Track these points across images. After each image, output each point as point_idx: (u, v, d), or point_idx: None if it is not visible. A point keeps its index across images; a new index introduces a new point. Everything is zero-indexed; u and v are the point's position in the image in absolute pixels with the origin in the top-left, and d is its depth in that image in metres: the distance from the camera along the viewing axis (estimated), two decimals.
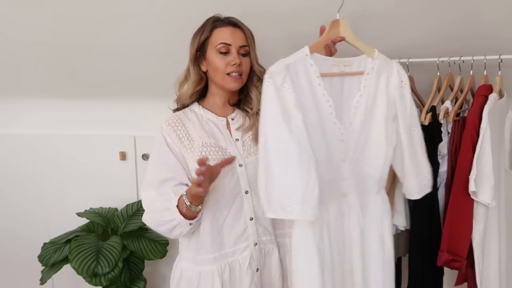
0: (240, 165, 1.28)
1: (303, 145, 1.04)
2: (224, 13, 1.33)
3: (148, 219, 1.28)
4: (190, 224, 1.23)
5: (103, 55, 1.93)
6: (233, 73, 1.26)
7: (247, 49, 1.29)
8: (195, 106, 1.35)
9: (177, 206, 1.20)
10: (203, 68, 1.32)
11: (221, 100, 1.34)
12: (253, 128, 1.31)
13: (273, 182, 1.03)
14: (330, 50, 1.24)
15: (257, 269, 1.31)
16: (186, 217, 1.21)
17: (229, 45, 1.26)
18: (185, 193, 1.19)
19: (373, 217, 1.20)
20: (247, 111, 1.34)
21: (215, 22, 1.29)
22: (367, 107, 1.15)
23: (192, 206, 1.19)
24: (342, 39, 1.21)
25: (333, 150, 1.13)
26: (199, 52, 1.31)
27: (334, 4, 1.54)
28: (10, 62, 2.07)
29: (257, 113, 1.32)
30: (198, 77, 1.32)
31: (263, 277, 1.33)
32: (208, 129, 1.31)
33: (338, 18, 1.21)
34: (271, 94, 1.04)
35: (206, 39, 1.29)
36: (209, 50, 1.29)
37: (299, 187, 1.03)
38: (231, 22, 1.29)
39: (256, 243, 1.31)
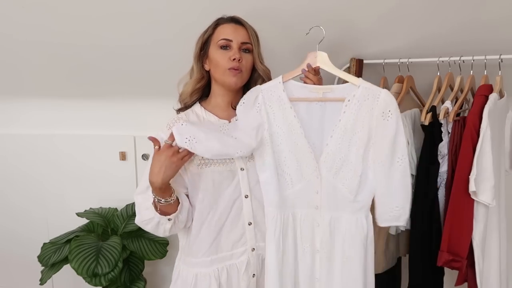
0: (242, 169, 1.27)
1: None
2: (227, 13, 1.33)
3: (136, 220, 1.29)
4: (169, 219, 1.22)
5: (104, 54, 1.93)
6: (233, 68, 1.25)
7: (249, 46, 1.28)
8: (197, 107, 1.34)
9: (154, 204, 1.21)
10: (206, 67, 1.32)
11: (223, 101, 1.33)
12: None
13: None
14: (310, 80, 1.29)
15: (253, 274, 1.31)
16: (164, 213, 1.21)
17: (230, 40, 1.26)
18: (152, 189, 1.20)
19: (341, 234, 1.26)
20: None
21: (218, 20, 1.30)
22: (345, 132, 1.23)
23: (162, 200, 1.19)
24: (316, 68, 1.29)
25: (306, 165, 1.26)
26: (203, 51, 1.31)
27: (338, 3, 1.55)
28: (10, 62, 2.07)
29: None
30: (200, 76, 1.32)
31: (259, 282, 1.32)
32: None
33: (317, 50, 1.30)
34: (239, 111, 1.27)
35: (209, 37, 1.30)
36: (211, 47, 1.29)
37: None
38: (234, 20, 1.29)
39: (254, 249, 1.30)
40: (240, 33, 1.27)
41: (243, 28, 1.28)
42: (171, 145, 1.17)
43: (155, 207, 1.21)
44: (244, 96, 1.28)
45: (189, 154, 1.19)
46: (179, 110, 1.36)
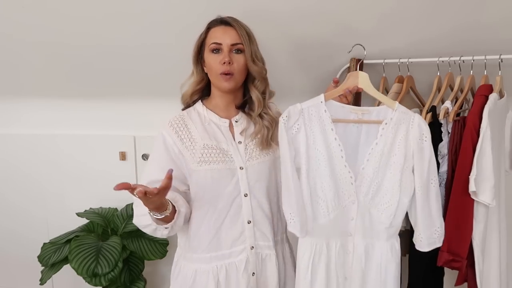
0: (241, 168, 1.28)
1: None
2: (226, 14, 1.32)
3: (134, 221, 1.30)
4: (166, 228, 1.23)
5: (104, 55, 1.93)
6: (224, 72, 1.25)
7: (241, 47, 1.27)
8: (199, 106, 1.36)
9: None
10: (205, 70, 1.33)
11: (222, 101, 1.34)
12: (259, 133, 1.30)
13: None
14: (346, 98, 1.29)
15: (253, 273, 1.31)
16: (161, 222, 1.21)
17: (220, 44, 1.26)
18: None
19: (375, 262, 1.25)
20: (250, 115, 1.33)
21: (210, 24, 1.31)
22: (382, 155, 1.21)
23: (156, 213, 1.17)
24: (359, 89, 1.28)
25: (342, 191, 1.23)
26: (200, 55, 1.32)
27: (335, 5, 1.55)
28: (10, 62, 2.07)
29: (260, 116, 1.31)
30: (199, 78, 1.34)
31: (259, 281, 1.33)
32: (210, 130, 1.31)
33: (358, 70, 1.29)
34: (281, 132, 1.21)
35: (203, 41, 1.31)
36: (205, 51, 1.30)
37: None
38: (224, 21, 1.29)
39: (253, 247, 1.31)
40: (229, 35, 1.26)
41: (232, 28, 1.27)
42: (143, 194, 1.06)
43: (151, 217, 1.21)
44: (286, 114, 1.21)
45: (165, 187, 1.09)
46: (184, 109, 1.38)
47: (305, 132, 1.21)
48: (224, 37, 1.26)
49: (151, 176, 1.27)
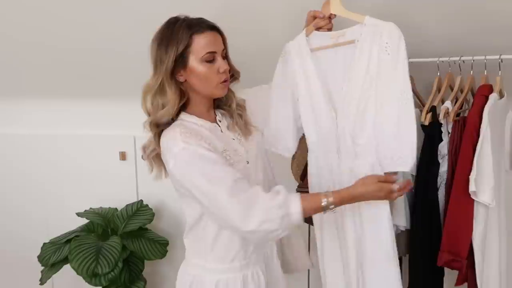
0: (248, 162, 1.26)
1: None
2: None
3: (278, 223, 1.09)
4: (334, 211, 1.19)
5: (103, 55, 1.93)
6: (225, 80, 1.20)
7: (226, 52, 1.23)
8: (187, 117, 1.24)
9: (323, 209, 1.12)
10: (181, 79, 1.19)
11: (205, 107, 1.26)
12: (237, 124, 1.28)
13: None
14: (328, 29, 1.30)
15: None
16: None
17: (215, 52, 1.17)
18: (330, 194, 1.11)
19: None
20: (227, 110, 1.29)
21: (192, 28, 1.16)
22: (359, 75, 1.22)
23: (334, 206, 1.11)
24: (333, 16, 1.29)
25: (325, 113, 1.29)
26: (176, 63, 1.16)
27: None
28: (10, 62, 2.07)
29: (236, 108, 1.29)
30: (178, 92, 1.19)
31: (269, 277, 1.31)
32: (214, 136, 1.23)
33: None
34: (278, 67, 1.38)
35: (186, 48, 1.15)
36: (191, 60, 1.16)
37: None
38: (210, 26, 1.18)
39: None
40: (220, 42, 1.19)
41: (219, 34, 1.20)
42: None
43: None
44: (283, 50, 1.34)
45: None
46: (159, 126, 1.27)
47: (292, 62, 1.32)
48: (216, 44, 1.18)
49: (236, 174, 1.13)
